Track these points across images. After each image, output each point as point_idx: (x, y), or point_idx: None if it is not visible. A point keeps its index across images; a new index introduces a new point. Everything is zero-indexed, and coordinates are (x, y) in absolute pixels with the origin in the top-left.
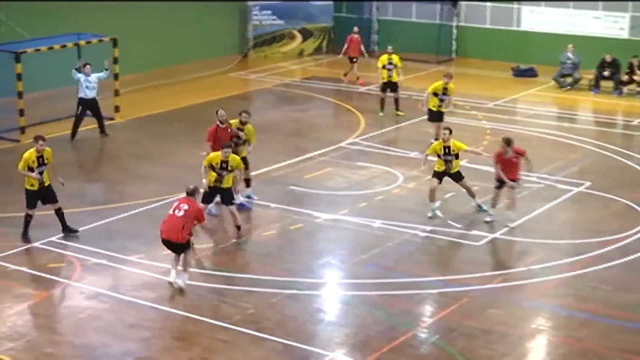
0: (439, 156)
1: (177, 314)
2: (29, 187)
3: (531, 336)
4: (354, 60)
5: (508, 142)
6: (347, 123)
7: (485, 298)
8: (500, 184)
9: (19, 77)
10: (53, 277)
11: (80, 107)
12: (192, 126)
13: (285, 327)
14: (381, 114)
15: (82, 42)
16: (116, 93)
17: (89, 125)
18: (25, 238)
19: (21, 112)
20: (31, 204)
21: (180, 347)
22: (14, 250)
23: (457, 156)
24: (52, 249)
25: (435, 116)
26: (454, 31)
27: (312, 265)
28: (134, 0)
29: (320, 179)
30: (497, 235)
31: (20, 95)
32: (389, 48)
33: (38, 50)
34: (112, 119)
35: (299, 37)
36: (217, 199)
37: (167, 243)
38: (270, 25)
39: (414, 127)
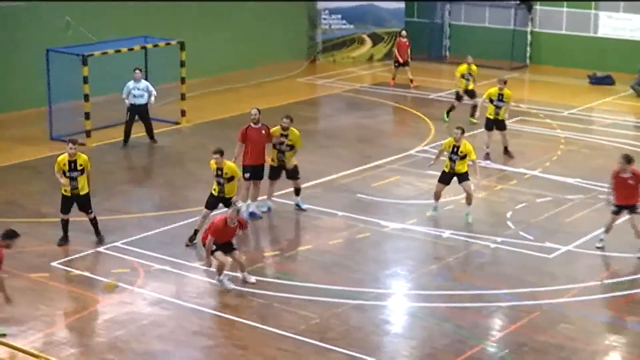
0: (450, 154)
1: (240, 322)
2: (62, 192)
3: (604, 353)
4: (399, 64)
5: (628, 159)
6: (416, 130)
7: (557, 312)
8: (618, 208)
9: (85, 80)
10: (116, 283)
11: (129, 113)
12: None
13: (350, 338)
14: (447, 119)
15: (149, 45)
16: (182, 97)
17: (154, 129)
18: (63, 242)
19: (87, 116)
20: (64, 209)
21: (243, 356)
22: (78, 255)
23: (463, 157)
24: (115, 254)
25: (491, 124)
26: (528, 37)
27: (379, 275)
28: (201, 0)
29: (388, 187)
30: (570, 247)
31: (86, 98)
32: (469, 59)
33: (105, 53)
34: (177, 123)
35: (369, 42)
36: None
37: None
38: (340, 29)
39: (485, 135)
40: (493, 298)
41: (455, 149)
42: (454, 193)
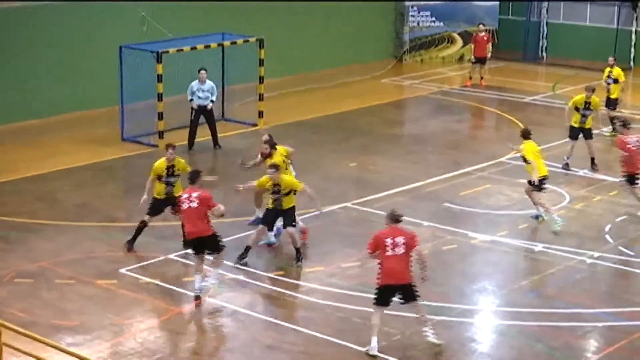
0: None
1: (317, 337)
2: (156, 196)
3: None
4: (476, 61)
5: (625, 124)
6: (509, 136)
7: None
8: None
9: (159, 78)
10: (187, 292)
11: (194, 113)
12: (341, 135)
13: (434, 357)
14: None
15: (226, 43)
16: (260, 97)
17: (230, 131)
18: (130, 245)
19: (160, 116)
20: (153, 212)
21: None
22: (148, 262)
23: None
24: (188, 261)
25: (576, 133)
26: (633, 37)
27: (466, 290)
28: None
29: (478, 196)
30: None
31: (160, 97)
32: (610, 59)
33: (180, 50)
34: (255, 125)
35: (460, 41)
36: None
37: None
38: (429, 27)
39: (585, 142)
40: (589, 317)
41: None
42: (548, 204)
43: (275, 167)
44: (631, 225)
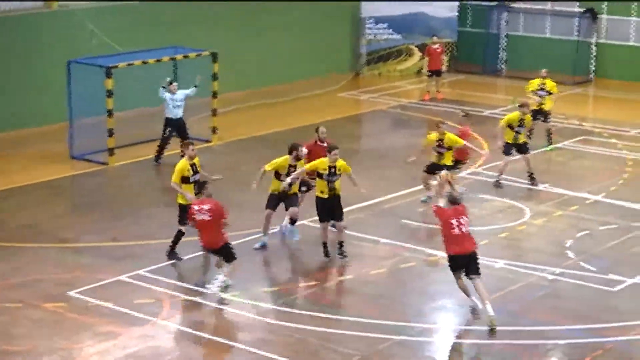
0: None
1: (274, 359)
2: (182, 202)
3: None
4: (431, 74)
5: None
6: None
7: (623, 351)
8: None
9: (109, 93)
10: (140, 315)
11: (168, 128)
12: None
13: None
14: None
15: (178, 57)
16: (214, 113)
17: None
18: (173, 256)
19: (110, 132)
20: (184, 220)
21: None
22: (98, 284)
23: (449, 149)
24: (140, 283)
25: (510, 149)
26: (594, 49)
27: (426, 308)
28: (235, 0)
29: None
30: (637, 280)
31: (110, 113)
32: (543, 71)
33: (131, 64)
34: (208, 141)
35: (418, 54)
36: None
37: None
38: (386, 40)
39: (544, 156)
40: (552, 334)
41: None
42: (508, 219)
43: (337, 148)
44: (592, 241)
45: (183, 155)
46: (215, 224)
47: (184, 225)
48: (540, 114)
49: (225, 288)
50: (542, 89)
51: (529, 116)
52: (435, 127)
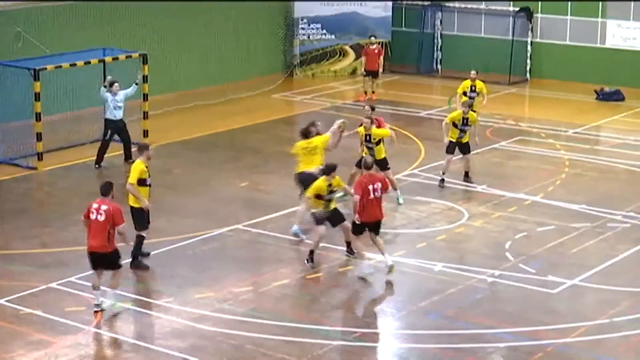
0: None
1: None
2: (134, 205)
3: None
4: (367, 74)
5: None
6: (404, 152)
7: (562, 353)
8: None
9: (37, 97)
10: (71, 323)
11: (109, 130)
12: (230, 153)
13: None
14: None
15: (108, 59)
16: (145, 115)
17: (114, 151)
18: (138, 263)
19: (39, 137)
20: (142, 223)
21: None
22: (28, 292)
23: (378, 143)
24: (70, 290)
25: (453, 147)
26: (529, 48)
27: (364, 312)
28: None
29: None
30: (576, 281)
31: (38, 117)
32: (472, 73)
33: (59, 67)
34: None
35: (352, 54)
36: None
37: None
38: (319, 40)
39: (481, 157)
40: (491, 338)
41: (368, 137)
42: (446, 222)
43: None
44: (531, 242)
45: (129, 158)
46: (107, 227)
47: (144, 229)
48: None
49: (115, 305)
50: (472, 90)
51: (473, 114)
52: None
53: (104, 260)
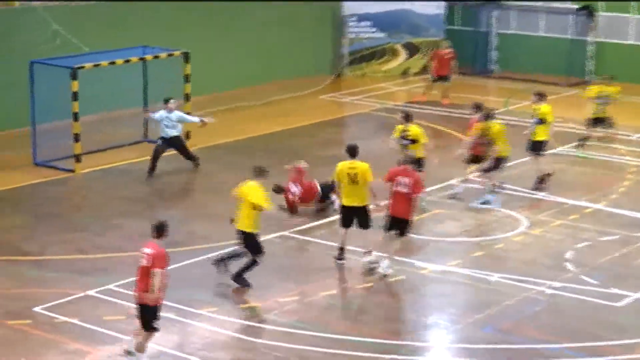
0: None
1: None
2: (249, 230)
3: None
4: (437, 79)
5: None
6: (460, 156)
7: None
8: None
9: (74, 96)
10: (108, 332)
11: (162, 141)
12: (275, 157)
13: None
14: (581, 154)
15: (148, 57)
16: None
17: (149, 155)
18: (240, 281)
19: (76, 138)
20: (259, 250)
21: None
22: (65, 299)
23: (414, 141)
24: (109, 298)
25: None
26: (590, 48)
27: (416, 325)
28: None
29: (427, 222)
30: None
31: (76, 117)
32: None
33: (97, 65)
34: None
35: (404, 53)
36: None
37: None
38: (370, 39)
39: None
40: (550, 353)
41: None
42: (504, 230)
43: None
44: (593, 252)
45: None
46: (148, 272)
47: (260, 255)
48: (599, 122)
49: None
50: (607, 96)
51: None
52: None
53: (140, 313)
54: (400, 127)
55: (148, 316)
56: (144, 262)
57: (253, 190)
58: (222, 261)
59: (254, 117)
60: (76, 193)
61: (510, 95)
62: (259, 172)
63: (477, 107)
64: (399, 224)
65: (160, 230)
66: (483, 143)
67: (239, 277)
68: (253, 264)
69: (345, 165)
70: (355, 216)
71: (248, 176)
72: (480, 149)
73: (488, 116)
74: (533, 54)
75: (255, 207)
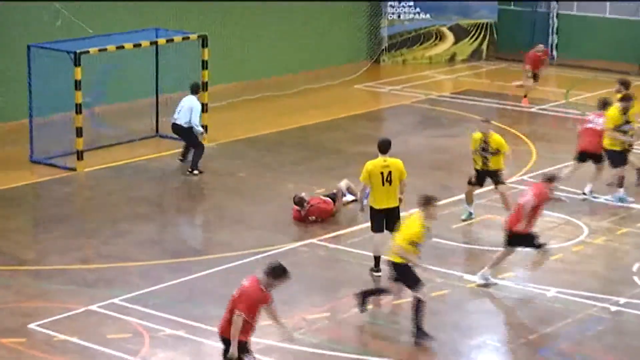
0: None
1: None
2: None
3: None
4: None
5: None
6: (513, 155)
7: None
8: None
9: (77, 85)
10: (114, 352)
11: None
12: (304, 154)
13: None
14: None
15: (161, 41)
16: (204, 108)
17: (166, 150)
18: (420, 335)
19: (79, 132)
20: (416, 282)
21: None
22: (64, 315)
23: (496, 153)
24: (113, 314)
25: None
26: None
27: (461, 346)
28: None
29: (475, 229)
30: None
31: (78, 109)
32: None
33: (104, 50)
34: None
35: (451, 37)
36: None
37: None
38: (412, 20)
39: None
40: None
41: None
42: (562, 238)
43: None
44: None
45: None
46: (233, 307)
47: (419, 288)
48: None
49: None
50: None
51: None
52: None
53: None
54: (477, 135)
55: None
56: (234, 293)
57: (412, 223)
58: (365, 296)
59: (280, 110)
60: (79, 194)
61: (572, 85)
62: (426, 202)
63: (623, 84)
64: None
65: (272, 273)
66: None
67: (420, 332)
68: (419, 305)
69: (377, 163)
70: (385, 217)
71: (272, 175)
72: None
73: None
74: (598, 38)
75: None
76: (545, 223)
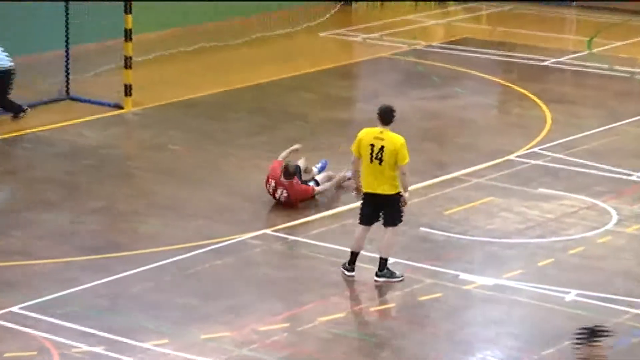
0: None
1: None
2: None
3: None
4: None
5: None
6: (521, 121)
7: None
8: None
9: None
10: None
11: None
12: (257, 121)
13: None
14: None
15: None
16: (127, 63)
17: (80, 117)
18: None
19: None
20: None
21: None
22: None
23: None
24: (13, 326)
25: None
26: None
27: None
28: None
29: (474, 215)
30: None
31: None
32: None
33: None
34: (119, 106)
35: None
36: None
37: None
38: None
39: (636, 129)
40: None
41: None
42: (584, 227)
43: None
44: None
45: None
46: None
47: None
48: None
49: None
50: None
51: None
52: None
53: None
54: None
55: None
56: None
57: None
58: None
59: (226, 65)
60: None
61: (596, 32)
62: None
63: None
64: None
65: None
66: None
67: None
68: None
69: (371, 133)
70: (381, 208)
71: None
72: None
73: None
74: None
75: None
76: (564, 207)
